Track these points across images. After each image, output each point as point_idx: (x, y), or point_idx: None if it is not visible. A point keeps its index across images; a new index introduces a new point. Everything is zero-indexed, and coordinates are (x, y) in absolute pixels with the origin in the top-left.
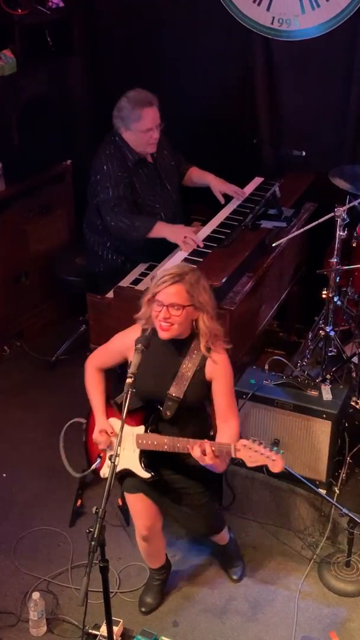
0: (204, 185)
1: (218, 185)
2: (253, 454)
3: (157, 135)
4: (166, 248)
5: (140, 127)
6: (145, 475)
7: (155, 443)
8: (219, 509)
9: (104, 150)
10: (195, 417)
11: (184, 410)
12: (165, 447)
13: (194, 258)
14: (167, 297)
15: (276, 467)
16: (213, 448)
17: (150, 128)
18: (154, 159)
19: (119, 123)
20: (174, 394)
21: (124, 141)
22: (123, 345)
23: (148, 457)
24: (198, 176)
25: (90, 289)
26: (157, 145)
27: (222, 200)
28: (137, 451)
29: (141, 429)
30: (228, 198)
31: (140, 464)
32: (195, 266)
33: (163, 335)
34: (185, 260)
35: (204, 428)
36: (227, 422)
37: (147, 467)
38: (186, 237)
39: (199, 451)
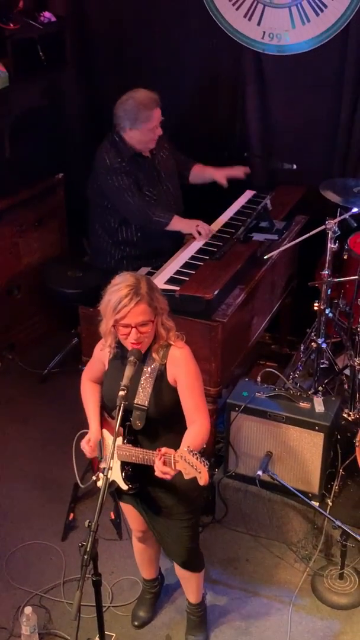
0: (207, 180)
1: (220, 172)
2: (187, 466)
3: (160, 132)
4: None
5: (149, 126)
6: (124, 487)
7: (128, 454)
8: (199, 549)
9: (101, 148)
10: (172, 429)
11: (157, 422)
12: (133, 458)
13: (186, 270)
14: (133, 318)
15: (201, 479)
16: (163, 459)
17: (157, 125)
18: (152, 155)
19: (124, 122)
20: (139, 403)
21: (122, 138)
22: (102, 354)
23: (133, 469)
24: (200, 172)
25: (83, 301)
26: (157, 142)
27: (226, 185)
28: (119, 462)
29: (120, 440)
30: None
31: (121, 474)
32: (136, 273)
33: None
34: (177, 273)
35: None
36: (193, 423)
37: (127, 479)
38: (198, 226)
39: (161, 466)
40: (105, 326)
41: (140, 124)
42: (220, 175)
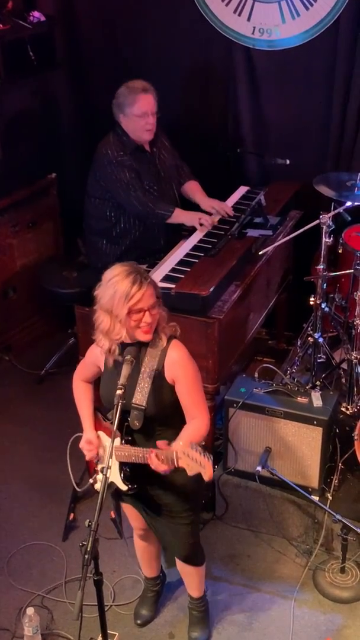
0: (193, 201)
1: (206, 202)
2: (190, 461)
3: (152, 121)
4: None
5: (135, 111)
6: (123, 487)
7: (127, 454)
8: (199, 543)
9: (104, 141)
10: (169, 426)
11: (155, 420)
12: (133, 458)
13: (181, 268)
14: (146, 301)
15: (205, 474)
16: (162, 457)
17: (145, 112)
18: (152, 153)
19: (116, 110)
20: (137, 402)
21: (122, 130)
22: (94, 356)
23: (131, 469)
24: (191, 192)
25: (79, 301)
26: (156, 142)
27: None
28: (117, 463)
29: (118, 440)
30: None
31: (120, 475)
32: (132, 263)
33: (146, 337)
34: (173, 270)
35: None
36: (192, 419)
37: (125, 479)
38: (201, 219)
39: (155, 460)
40: (116, 319)
41: (127, 109)
42: (206, 203)
